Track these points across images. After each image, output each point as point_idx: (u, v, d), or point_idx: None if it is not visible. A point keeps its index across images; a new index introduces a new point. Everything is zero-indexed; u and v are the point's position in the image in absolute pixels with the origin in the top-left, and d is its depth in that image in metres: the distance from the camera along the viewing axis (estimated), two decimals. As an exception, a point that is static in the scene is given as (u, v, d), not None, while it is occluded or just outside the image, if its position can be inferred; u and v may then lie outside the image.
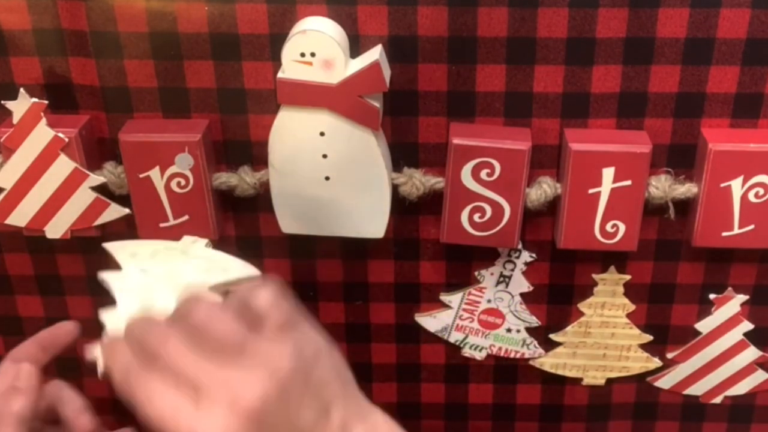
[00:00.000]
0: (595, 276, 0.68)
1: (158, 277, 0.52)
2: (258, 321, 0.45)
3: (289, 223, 0.64)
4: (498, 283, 0.68)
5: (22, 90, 0.59)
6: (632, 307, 0.69)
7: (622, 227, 0.62)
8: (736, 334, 0.70)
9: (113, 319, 0.50)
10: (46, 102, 0.60)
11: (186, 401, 0.43)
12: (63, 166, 0.62)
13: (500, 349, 0.71)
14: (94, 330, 0.72)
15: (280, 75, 0.58)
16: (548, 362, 0.72)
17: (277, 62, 0.59)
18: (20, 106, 0.59)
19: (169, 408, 0.43)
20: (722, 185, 0.61)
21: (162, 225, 0.64)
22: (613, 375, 0.72)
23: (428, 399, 0.74)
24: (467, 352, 0.72)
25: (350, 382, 0.49)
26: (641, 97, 0.61)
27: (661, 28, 0.58)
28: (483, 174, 0.61)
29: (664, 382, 0.72)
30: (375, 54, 0.58)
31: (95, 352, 0.49)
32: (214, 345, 0.43)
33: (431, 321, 0.71)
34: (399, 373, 0.73)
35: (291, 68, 0.58)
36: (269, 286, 0.46)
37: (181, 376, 0.43)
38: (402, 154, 0.63)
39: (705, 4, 0.57)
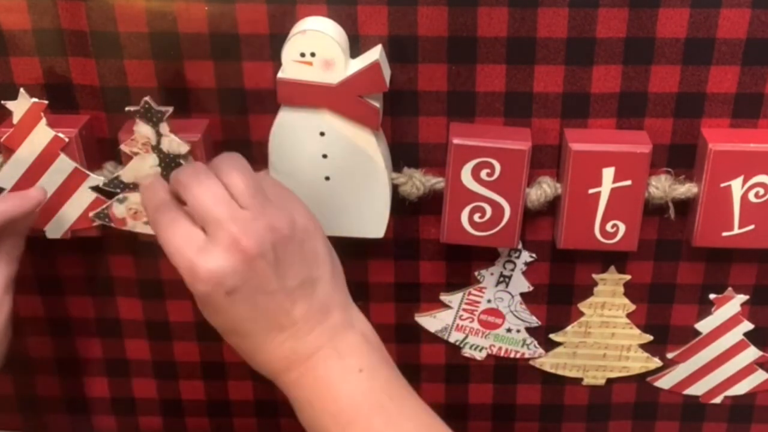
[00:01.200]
0: (595, 276, 0.68)
1: None
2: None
3: (289, 223, 0.64)
4: (498, 283, 0.68)
5: (22, 90, 0.59)
6: (632, 307, 0.69)
7: (622, 227, 0.62)
8: (736, 334, 0.70)
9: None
10: (46, 102, 0.60)
11: (195, 240, 0.51)
12: (63, 166, 0.62)
13: (500, 349, 0.71)
14: (94, 330, 0.72)
15: (280, 75, 0.58)
16: (548, 362, 0.72)
17: (277, 62, 0.59)
18: (20, 106, 0.59)
19: (180, 242, 0.51)
20: (722, 185, 0.61)
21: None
22: (613, 375, 0.72)
23: (428, 399, 0.74)
24: (467, 352, 0.72)
25: (341, 275, 0.56)
26: (641, 97, 0.61)
27: (661, 28, 0.58)
28: (483, 174, 0.61)
29: (664, 382, 0.72)
30: (375, 54, 0.58)
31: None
32: (232, 192, 0.51)
33: (431, 321, 0.71)
34: (399, 373, 0.73)
35: (291, 68, 0.58)
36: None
37: (197, 217, 0.51)
38: (402, 154, 0.63)
39: (705, 4, 0.57)
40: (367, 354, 0.55)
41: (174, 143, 0.59)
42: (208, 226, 0.51)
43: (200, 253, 0.51)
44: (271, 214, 0.52)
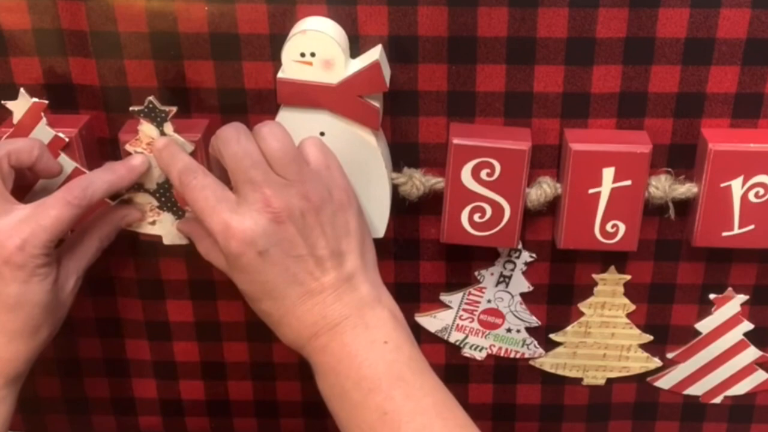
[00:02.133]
0: (595, 276, 0.68)
1: None
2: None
3: (289, 223, 0.64)
4: (498, 283, 0.68)
5: (22, 90, 0.59)
6: (632, 307, 0.69)
7: (622, 227, 0.62)
8: (736, 334, 0.70)
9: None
10: (46, 102, 0.60)
11: (228, 200, 0.54)
12: (63, 166, 0.61)
13: (500, 349, 0.71)
14: (94, 330, 0.72)
15: (280, 75, 0.58)
16: (548, 362, 0.72)
17: (277, 62, 0.59)
18: (20, 106, 0.59)
19: (214, 202, 0.54)
20: (722, 185, 0.61)
21: (162, 225, 0.64)
22: (613, 375, 0.72)
23: (428, 399, 0.74)
24: (467, 352, 0.72)
25: (373, 253, 0.59)
26: (641, 97, 0.61)
27: (661, 28, 0.58)
28: (483, 174, 0.61)
29: (664, 382, 0.72)
30: (375, 54, 0.58)
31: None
32: (269, 159, 0.54)
33: (431, 321, 0.71)
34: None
35: (291, 68, 0.58)
36: (320, 142, 0.57)
37: (232, 175, 0.54)
38: (402, 154, 0.63)
39: (705, 4, 0.57)
40: (393, 329, 0.56)
41: (178, 143, 0.59)
42: (242, 187, 0.54)
43: (233, 214, 0.53)
44: (305, 183, 0.54)
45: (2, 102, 0.59)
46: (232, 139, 0.54)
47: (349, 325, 0.56)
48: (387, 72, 0.58)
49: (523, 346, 0.71)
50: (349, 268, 0.57)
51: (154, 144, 0.59)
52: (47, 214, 0.54)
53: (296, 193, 0.54)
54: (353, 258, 0.57)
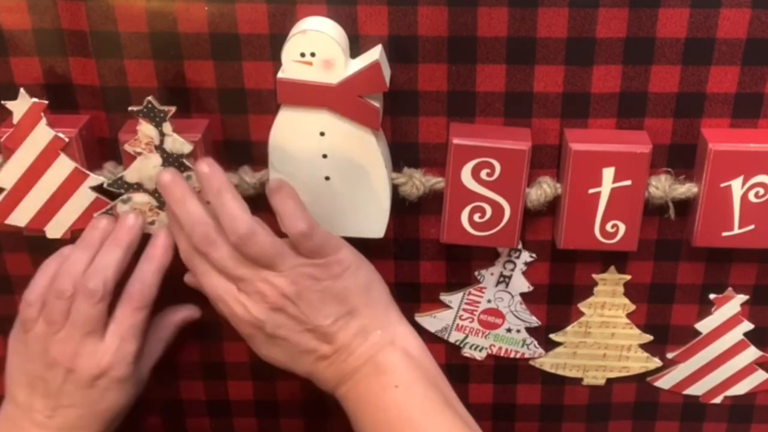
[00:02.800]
0: (595, 276, 0.68)
1: None
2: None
3: (289, 223, 0.64)
4: (498, 283, 0.68)
5: (22, 90, 0.59)
6: (632, 307, 0.69)
7: (622, 227, 0.62)
8: (736, 334, 0.70)
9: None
10: (46, 102, 0.60)
11: (230, 290, 0.59)
12: (63, 166, 0.62)
13: (500, 349, 0.71)
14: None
15: (280, 75, 0.58)
16: (548, 362, 0.72)
17: (277, 62, 0.59)
18: (20, 106, 0.59)
19: (220, 292, 0.59)
20: (722, 185, 0.61)
21: (162, 225, 0.64)
22: (613, 375, 0.72)
23: (428, 399, 0.74)
24: (467, 352, 0.72)
25: (382, 298, 0.62)
26: (641, 97, 0.61)
27: (661, 28, 0.58)
28: (483, 174, 0.61)
29: (664, 382, 0.72)
30: (375, 54, 0.58)
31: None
32: (252, 255, 0.57)
33: (431, 321, 0.71)
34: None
35: (291, 68, 0.58)
36: (291, 194, 0.58)
37: (225, 271, 0.58)
38: (402, 154, 0.63)
39: (705, 4, 0.57)
40: (404, 370, 0.60)
41: (177, 143, 0.59)
42: (237, 283, 0.59)
43: (235, 304, 0.59)
44: (295, 269, 0.58)
45: (2, 102, 0.59)
46: (210, 248, 0.58)
47: (363, 374, 0.60)
48: (387, 72, 0.58)
49: (523, 346, 0.71)
50: (357, 322, 0.60)
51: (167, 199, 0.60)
52: (123, 325, 0.61)
53: (286, 281, 0.58)
54: (360, 310, 0.60)
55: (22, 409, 0.61)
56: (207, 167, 0.57)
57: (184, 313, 0.68)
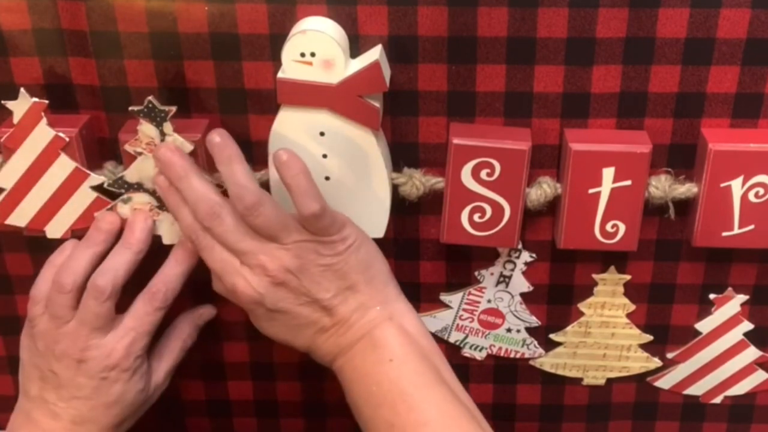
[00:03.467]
0: (595, 276, 0.68)
1: None
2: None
3: (289, 223, 0.64)
4: (498, 283, 0.68)
5: (22, 90, 0.59)
6: (632, 307, 0.69)
7: (622, 227, 0.62)
8: (736, 334, 0.70)
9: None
10: (46, 102, 0.60)
11: (232, 265, 0.59)
12: (63, 166, 0.62)
13: (500, 349, 0.71)
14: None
15: (280, 75, 0.58)
16: (548, 362, 0.72)
17: (277, 62, 0.59)
18: (20, 106, 0.59)
19: (220, 266, 0.60)
20: (722, 185, 0.61)
21: (162, 225, 0.64)
22: (613, 375, 0.72)
23: (428, 399, 0.74)
24: (467, 352, 0.72)
25: (382, 276, 0.62)
26: (641, 97, 0.61)
27: (661, 28, 0.58)
28: (483, 174, 0.61)
29: (664, 382, 0.72)
30: (375, 54, 0.58)
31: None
32: (257, 226, 0.57)
33: (431, 321, 0.71)
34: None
35: (291, 68, 0.58)
36: (299, 165, 0.58)
37: (228, 245, 0.59)
38: (402, 154, 0.63)
39: (705, 4, 0.57)
40: (399, 345, 0.60)
41: (178, 143, 0.59)
42: (240, 257, 0.59)
43: (237, 277, 0.59)
44: (297, 245, 0.59)
45: (2, 102, 0.60)
46: (209, 222, 0.59)
47: (359, 348, 0.60)
48: (387, 72, 0.58)
49: (523, 346, 0.71)
50: (357, 298, 0.61)
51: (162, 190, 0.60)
52: (143, 321, 0.62)
53: (289, 254, 0.58)
54: (359, 287, 0.61)
55: (35, 402, 0.62)
56: (218, 137, 0.57)
57: (201, 312, 0.69)
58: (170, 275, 0.62)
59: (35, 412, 0.62)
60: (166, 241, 0.64)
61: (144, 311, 0.62)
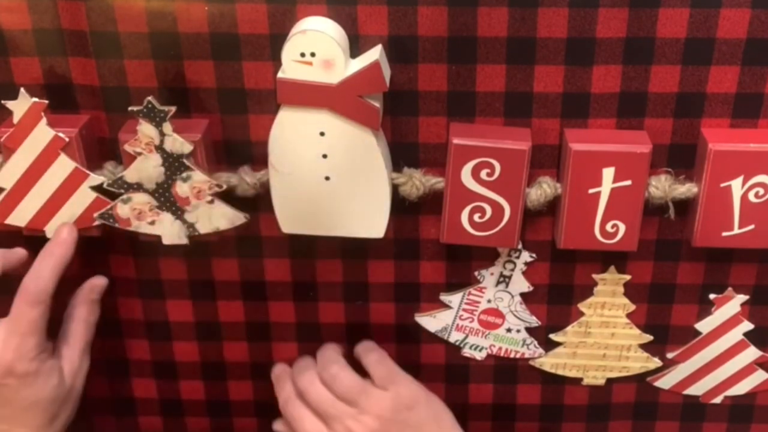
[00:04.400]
0: (595, 276, 0.68)
1: None
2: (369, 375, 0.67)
3: (289, 223, 0.64)
4: (498, 283, 0.68)
5: (22, 90, 0.59)
6: (632, 307, 0.69)
7: (622, 227, 0.62)
8: (736, 334, 0.70)
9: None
10: (46, 102, 0.60)
11: (320, 426, 0.66)
12: (63, 166, 0.62)
13: (500, 349, 0.71)
14: (94, 330, 0.72)
15: (280, 75, 0.58)
16: (548, 362, 0.72)
17: (277, 62, 0.59)
18: (20, 105, 0.59)
19: (309, 429, 0.66)
20: (722, 185, 0.61)
21: (162, 225, 0.64)
22: (613, 375, 0.72)
23: (428, 399, 0.74)
24: (467, 352, 0.72)
25: (447, 422, 0.67)
26: (641, 97, 0.61)
27: (661, 28, 0.58)
28: (483, 174, 0.61)
29: (664, 382, 0.72)
30: (375, 54, 0.58)
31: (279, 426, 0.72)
32: (340, 392, 0.65)
33: (431, 321, 0.71)
34: (399, 373, 0.73)
35: (291, 68, 0.58)
36: (376, 349, 0.69)
37: (319, 408, 0.66)
38: (402, 154, 0.63)
39: (705, 4, 0.57)
40: None
41: (177, 143, 0.59)
42: (326, 421, 0.65)
43: None
44: (376, 406, 0.65)
45: (2, 102, 0.60)
46: (307, 387, 0.67)
47: None
48: (387, 72, 0.58)
49: (523, 346, 0.71)
50: None
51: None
52: (21, 322, 0.60)
53: (370, 418, 0.64)
54: None
55: None
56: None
57: (92, 284, 0.67)
58: (42, 269, 0.61)
59: None
60: (166, 241, 0.64)
61: (21, 310, 0.60)
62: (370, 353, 0.69)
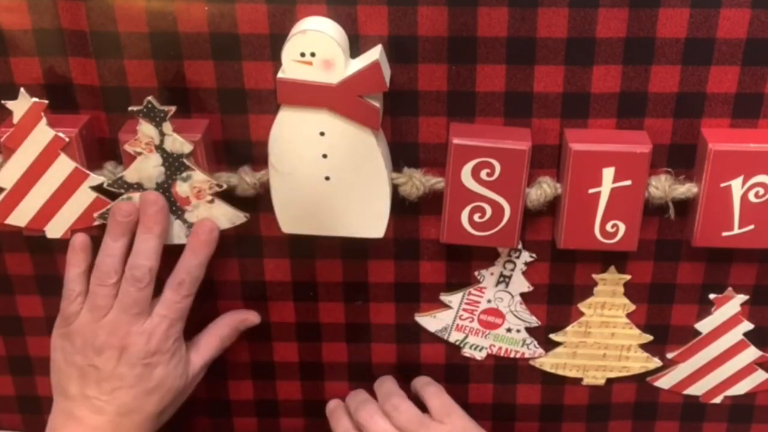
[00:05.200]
0: (595, 276, 0.68)
1: None
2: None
3: (289, 223, 0.64)
4: (498, 283, 0.68)
5: (22, 90, 0.59)
6: (632, 307, 0.69)
7: (622, 227, 0.62)
8: (736, 334, 0.70)
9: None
10: (46, 102, 0.60)
11: None
12: (63, 166, 0.62)
13: (500, 349, 0.71)
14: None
15: (280, 75, 0.58)
16: (548, 362, 0.72)
17: (277, 62, 0.59)
18: (20, 105, 0.59)
19: None
20: (722, 185, 0.61)
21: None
22: (613, 375, 0.72)
23: (428, 399, 0.74)
24: (467, 352, 0.72)
25: None
26: (641, 97, 0.61)
27: (661, 28, 0.58)
28: (483, 174, 0.61)
29: (664, 382, 0.72)
30: (375, 54, 0.58)
31: None
32: (400, 423, 0.67)
33: (431, 321, 0.71)
34: (399, 373, 0.73)
35: (291, 68, 0.58)
36: (433, 383, 0.71)
37: None
38: (402, 154, 0.63)
39: (705, 4, 0.57)
40: None
41: (177, 143, 0.59)
42: None
43: None
44: None
45: (2, 102, 0.60)
46: (368, 421, 0.68)
47: None
48: (387, 72, 0.58)
49: (523, 346, 0.71)
50: None
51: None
52: (174, 309, 0.63)
53: None
54: None
55: (75, 400, 0.63)
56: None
57: (245, 317, 0.70)
58: (191, 266, 0.64)
59: (78, 409, 0.63)
60: (167, 241, 0.64)
61: (173, 300, 0.63)
62: (429, 386, 0.71)
